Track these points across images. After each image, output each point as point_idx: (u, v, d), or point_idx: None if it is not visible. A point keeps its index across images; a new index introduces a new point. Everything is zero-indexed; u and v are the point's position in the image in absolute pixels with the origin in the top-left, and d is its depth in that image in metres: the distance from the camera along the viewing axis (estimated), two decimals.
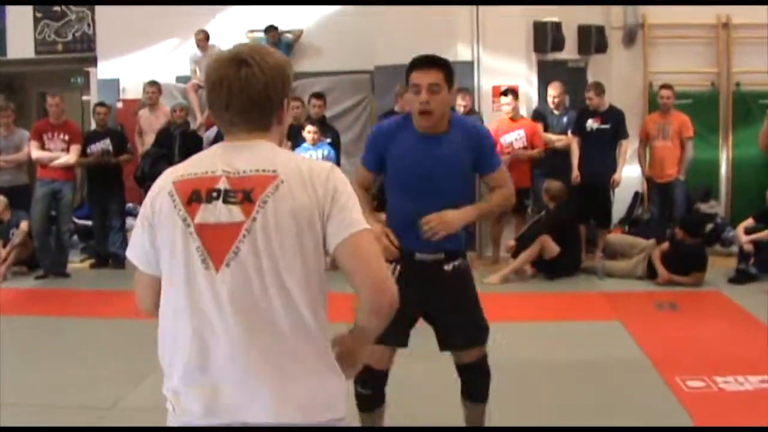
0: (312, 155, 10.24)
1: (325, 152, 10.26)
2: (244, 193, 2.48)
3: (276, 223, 2.45)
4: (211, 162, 2.56)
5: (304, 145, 10.29)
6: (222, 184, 2.50)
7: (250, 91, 2.54)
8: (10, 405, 5.82)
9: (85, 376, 6.52)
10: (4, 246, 10.71)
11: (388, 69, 11.45)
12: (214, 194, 2.49)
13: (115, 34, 13.19)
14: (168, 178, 2.63)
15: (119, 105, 12.82)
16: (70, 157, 10.63)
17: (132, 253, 2.67)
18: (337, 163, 10.41)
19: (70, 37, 13.99)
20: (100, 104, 11.59)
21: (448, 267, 4.46)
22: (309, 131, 10.26)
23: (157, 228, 2.56)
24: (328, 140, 10.49)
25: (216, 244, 2.46)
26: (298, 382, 2.47)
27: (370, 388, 4.55)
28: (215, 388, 2.45)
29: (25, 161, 11.22)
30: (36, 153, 10.73)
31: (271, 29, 12.41)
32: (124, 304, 9.13)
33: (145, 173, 10.70)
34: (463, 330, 4.68)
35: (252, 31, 12.68)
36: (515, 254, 10.07)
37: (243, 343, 2.43)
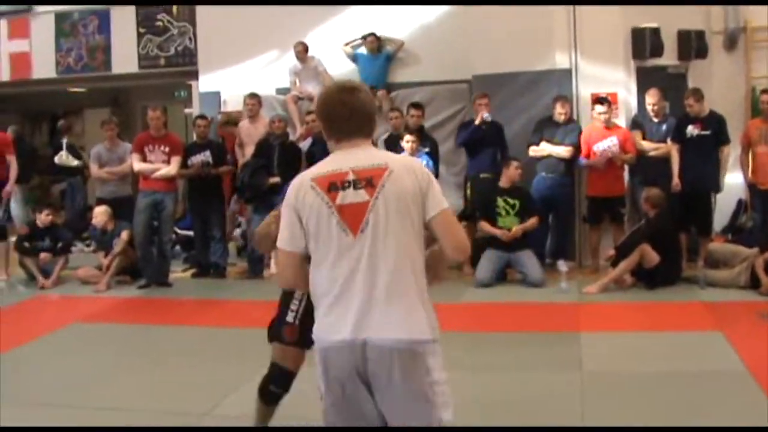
0: None
1: (424, 162, 10.24)
2: (367, 181, 3.53)
3: (391, 200, 3.52)
4: (338, 163, 3.58)
5: (403, 154, 10.30)
6: (350, 177, 3.53)
7: (365, 109, 3.67)
8: (110, 409, 5.98)
9: (184, 382, 6.65)
10: (106, 256, 10.96)
11: (486, 78, 11.47)
12: (346, 184, 3.52)
13: (216, 47, 13.39)
14: (305, 177, 3.63)
15: (219, 117, 12.98)
16: (170, 169, 10.80)
17: (282, 240, 3.64)
18: (436, 172, 10.43)
19: (172, 51, 14.25)
20: (201, 117, 11.78)
21: None
22: (407, 140, 10.28)
23: (301, 212, 3.54)
24: (427, 150, 10.52)
25: (351, 218, 3.51)
26: (403, 309, 3.48)
27: (282, 387, 4.93)
28: (348, 320, 3.47)
29: (128, 173, 11.48)
30: (138, 165, 10.95)
31: (370, 36, 12.45)
32: (224, 312, 9.33)
33: (244, 183, 10.83)
34: None
35: (347, 43, 12.76)
36: (614, 263, 9.95)
37: (371, 282, 3.48)
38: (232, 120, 12.50)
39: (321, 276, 3.55)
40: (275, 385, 4.91)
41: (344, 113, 3.62)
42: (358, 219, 3.51)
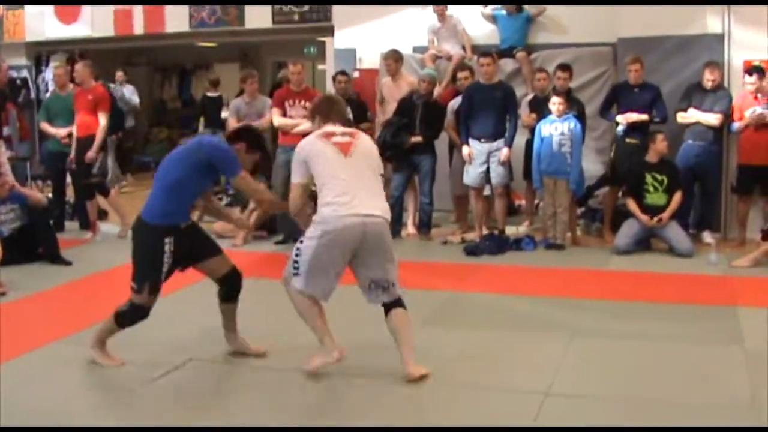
0: (557, 127, 10.06)
1: (571, 125, 10.05)
2: (349, 134, 5.82)
3: (361, 147, 5.79)
4: (330, 128, 5.84)
5: (550, 117, 10.12)
6: (339, 130, 5.82)
7: (344, 108, 6.30)
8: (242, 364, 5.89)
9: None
10: (242, 211, 10.95)
11: (632, 41, 11.15)
12: (337, 134, 5.78)
13: (352, 4, 13.26)
14: (312, 136, 5.86)
15: (355, 74, 12.86)
16: (311, 124, 10.69)
17: (294, 177, 5.80)
18: (582, 135, 10.20)
19: (306, 7, 14.11)
20: (342, 73, 11.68)
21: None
22: (554, 103, 10.06)
23: (308, 158, 5.69)
24: (574, 112, 10.25)
25: (343, 147, 5.69)
26: (380, 202, 5.74)
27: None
28: (355, 204, 5.52)
29: (267, 128, 11.42)
30: (278, 120, 10.88)
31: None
32: None
33: (386, 142, 10.69)
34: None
35: (486, 4, 12.52)
36: (766, 235, 9.60)
37: (360, 186, 5.61)
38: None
39: (330, 186, 5.56)
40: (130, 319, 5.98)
41: (338, 109, 6.14)
42: (347, 148, 5.68)
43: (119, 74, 16.12)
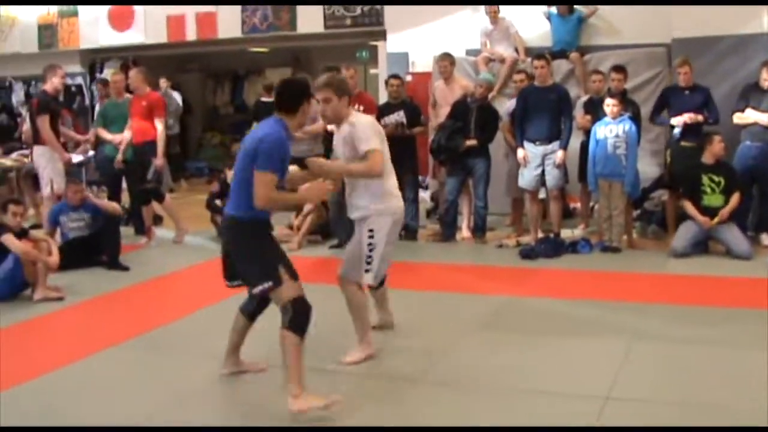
0: (612, 129, 9.98)
1: (627, 126, 9.96)
2: None
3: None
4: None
5: (606, 118, 10.03)
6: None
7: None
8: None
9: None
10: (297, 216, 10.97)
11: (687, 42, 11.10)
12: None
13: (404, 8, 13.30)
14: (372, 118, 6.40)
15: (408, 78, 12.86)
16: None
17: (377, 144, 5.97)
18: (638, 137, 10.12)
19: (358, 11, 14.16)
20: (394, 76, 11.66)
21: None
22: (609, 104, 9.98)
23: (382, 137, 6.07)
24: (629, 114, 10.15)
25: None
26: None
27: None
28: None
29: (320, 132, 11.43)
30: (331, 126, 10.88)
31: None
32: (419, 276, 9.19)
33: (441, 146, 10.68)
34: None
35: (539, 4, 12.46)
36: None
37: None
38: None
39: (390, 175, 6.17)
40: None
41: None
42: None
43: (162, 81, 16.19)
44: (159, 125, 11.10)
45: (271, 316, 5.48)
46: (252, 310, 5.75)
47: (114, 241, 9.85)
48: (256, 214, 5.29)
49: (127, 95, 11.66)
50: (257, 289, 5.30)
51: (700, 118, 10.38)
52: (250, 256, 5.31)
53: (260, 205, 5.20)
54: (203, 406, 5.50)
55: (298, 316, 5.16)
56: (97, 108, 14.10)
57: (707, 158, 10.03)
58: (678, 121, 10.46)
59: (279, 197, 5.37)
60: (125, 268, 9.61)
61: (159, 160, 11.05)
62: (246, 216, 5.30)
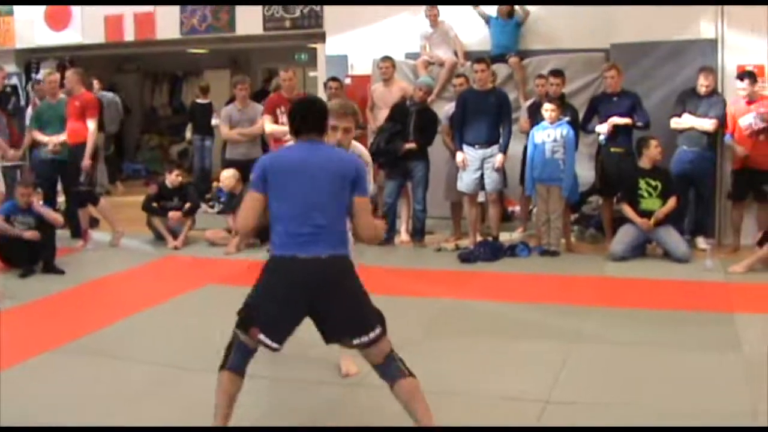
0: (550, 134, 10.03)
1: (564, 131, 10.03)
2: None
3: None
4: None
5: (543, 123, 10.08)
6: None
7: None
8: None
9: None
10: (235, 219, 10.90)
11: (625, 47, 11.14)
12: None
13: (343, 10, 13.22)
14: None
15: (347, 81, 12.80)
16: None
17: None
18: (576, 141, 10.17)
19: (297, 13, 14.07)
20: (333, 79, 11.64)
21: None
22: (547, 109, 10.03)
23: None
24: (567, 118, 10.21)
25: None
26: None
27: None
28: None
29: (259, 135, 11.39)
30: (270, 127, 10.85)
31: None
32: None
33: (380, 148, 10.66)
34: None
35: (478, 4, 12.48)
36: (761, 242, 9.56)
37: None
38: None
39: None
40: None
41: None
42: None
43: (95, 82, 15.97)
44: (91, 125, 10.97)
45: None
46: (246, 365, 4.68)
47: (50, 247, 9.69)
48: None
49: (62, 96, 11.51)
50: (365, 339, 4.50)
51: (623, 121, 10.40)
52: (359, 299, 4.56)
53: (370, 236, 4.69)
54: (139, 410, 5.41)
55: (403, 361, 4.59)
56: (29, 110, 13.92)
57: (644, 163, 10.11)
58: (602, 128, 10.52)
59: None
60: (60, 272, 9.47)
61: (86, 161, 10.91)
62: (347, 251, 4.67)
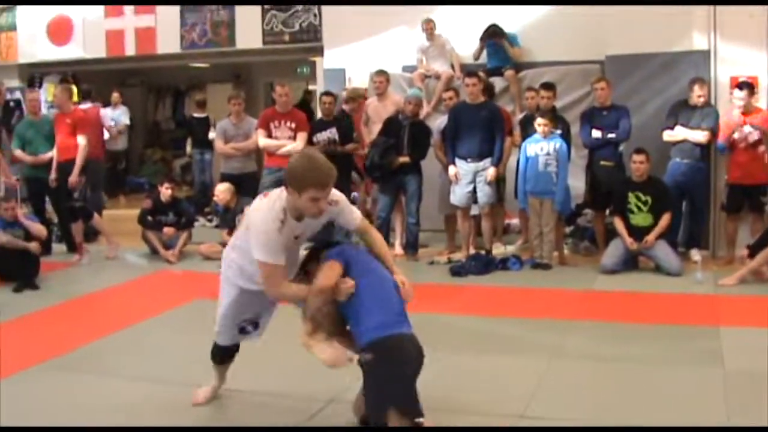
0: (543, 147, 10.01)
1: (557, 144, 10.01)
2: None
3: None
4: None
5: (535, 136, 10.07)
6: None
7: None
8: (228, 390, 5.85)
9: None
10: (230, 234, 10.89)
11: (620, 59, 11.15)
12: None
13: (341, 24, 13.28)
14: None
15: (344, 94, 12.82)
16: (296, 145, 10.71)
17: None
18: (568, 155, 10.16)
19: (296, 27, 14.15)
20: (326, 93, 11.67)
21: None
22: (540, 124, 10.01)
23: None
24: (559, 131, 10.20)
25: None
26: None
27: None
28: None
29: (253, 149, 11.43)
30: (263, 141, 10.93)
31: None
32: None
33: (374, 162, 10.66)
34: None
35: None
36: (752, 254, 9.52)
37: None
38: (359, 94, 12.25)
39: None
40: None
41: None
42: None
43: (115, 95, 16.12)
44: (81, 141, 11.01)
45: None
46: None
47: (33, 262, 9.74)
48: None
49: (46, 113, 11.56)
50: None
51: (600, 135, 10.46)
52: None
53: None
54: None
55: None
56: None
57: (634, 176, 10.08)
58: (597, 133, 10.55)
59: None
60: (35, 287, 9.46)
61: (73, 177, 10.94)
62: None
